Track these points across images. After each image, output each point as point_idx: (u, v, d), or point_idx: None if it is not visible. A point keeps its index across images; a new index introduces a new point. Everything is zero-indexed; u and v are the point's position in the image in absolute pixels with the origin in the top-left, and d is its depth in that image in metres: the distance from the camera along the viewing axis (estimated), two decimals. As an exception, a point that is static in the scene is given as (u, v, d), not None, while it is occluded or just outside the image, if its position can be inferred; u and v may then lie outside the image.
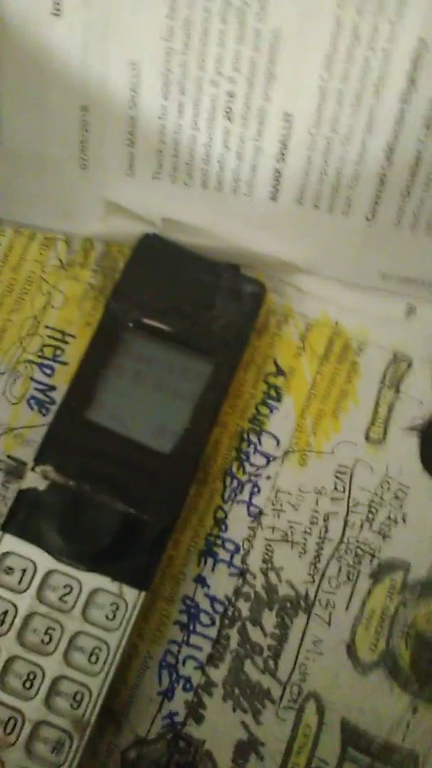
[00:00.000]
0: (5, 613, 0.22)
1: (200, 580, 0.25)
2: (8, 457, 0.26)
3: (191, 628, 0.25)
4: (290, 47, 0.25)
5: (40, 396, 0.27)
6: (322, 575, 0.25)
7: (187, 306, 0.26)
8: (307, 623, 0.25)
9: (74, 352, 0.27)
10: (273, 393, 0.27)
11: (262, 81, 0.26)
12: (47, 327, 0.28)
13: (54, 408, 0.26)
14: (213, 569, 0.25)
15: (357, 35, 0.25)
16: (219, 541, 0.26)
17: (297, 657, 0.25)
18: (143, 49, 0.26)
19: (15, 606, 0.22)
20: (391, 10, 0.24)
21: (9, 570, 0.23)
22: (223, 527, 0.26)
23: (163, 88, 0.26)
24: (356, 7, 0.24)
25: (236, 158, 0.27)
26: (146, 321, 0.26)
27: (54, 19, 0.25)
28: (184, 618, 0.25)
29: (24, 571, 0.23)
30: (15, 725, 0.21)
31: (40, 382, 0.27)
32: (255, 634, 0.25)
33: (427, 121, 0.25)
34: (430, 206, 0.27)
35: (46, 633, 0.22)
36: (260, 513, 0.26)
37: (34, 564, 0.23)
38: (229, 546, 0.26)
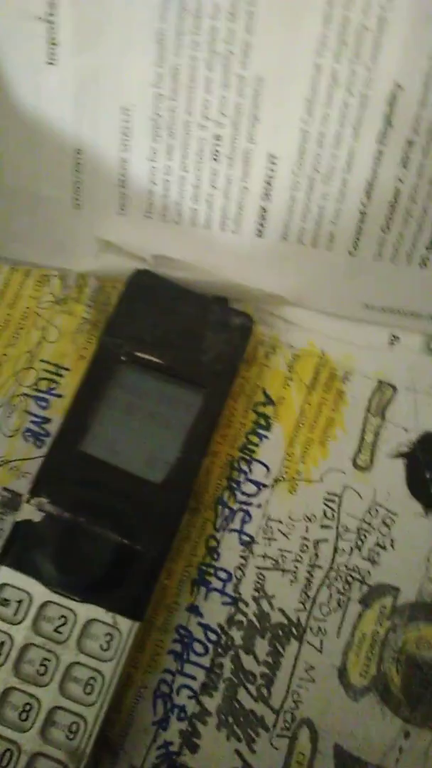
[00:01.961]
0: (1, 644, 0.23)
1: (193, 609, 0.26)
2: (4, 489, 0.26)
3: (185, 657, 0.25)
4: (273, 92, 0.26)
5: (35, 428, 0.27)
6: (313, 602, 0.26)
7: (178, 339, 0.27)
8: (299, 650, 0.25)
9: (69, 384, 0.28)
10: (262, 422, 0.28)
11: (246, 124, 0.27)
12: (42, 361, 0.28)
13: (49, 440, 0.27)
14: (206, 598, 0.26)
15: (335, 80, 0.26)
16: (211, 570, 0.26)
17: (290, 684, 0.25)
18: (133, 95, 0.27)
19: (11, 637, 0.23)
20: (366, 56, 0.25)
21: (5, 602, 0.23)
22: (216, 556, 0.26)
23: (153, 132, 0.27)
24: (334, 53, 0.25)
25: (223, 197, 0.28)
26: (138, 354, 0.27)
27: (48, 67, 0.27)
28: (177, 647, 0.25)
29: (20, 602, 0.23)
30: (11, 757, 0.21)
31: (35, 415, 0.27)
32: (248, 662, 0.25)
33: (403, 159, 0.27)
34: (409, 239, 0.28)
35: (41, 664, 0.22)
36: (252, 541, 0.26)
37: (30, 595, 0.23)
38: (222, 575, 0.26)
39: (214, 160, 0.28)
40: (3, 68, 0.27)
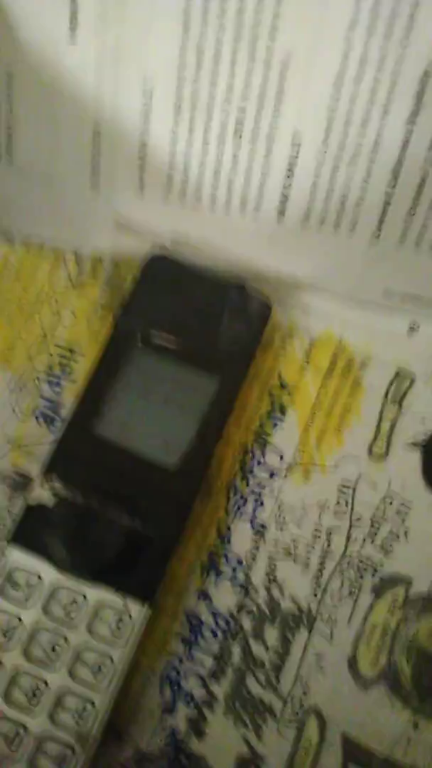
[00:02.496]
0: (11, 626, 0.23)
1: (203, 595, 0.26)
2: (15, 472, 0.26)
3: (194, 642, 0.25)
4: (300, 68, 0.25)
5: (48, 412, 0.27)
6: (324, 590, 0.26)
7: (194, 323, 0.27)
8: (309, 638, 0.25)
9: (82, 369, 0.28)
10: (277, 408, 0.28)
11: (272, 102, 0.26)
12: (56, 345, 0.28)
13: (61, 424, 0.27)
14: (216, 584, 0.26)
15: (366, 58, 0.25)
16: (222, 556, 0.26)
17: (298, 672, 0.25)
18: (155, 71, 0.26)
19: (20, 620, 0.23)
20: (399, 34, 0.24)
21: (15, 583, 0.23)
22: (227, 542, 0.26)
23: (174, 111, 0.27)
24: (366, 30, 0.24)
25: (244, 178, 0.28)
26: (154, 338, 0.26)
27: (69, 46, 0.26)
28: (186, 632, 0.25)
29: (30, 584, 0.23)
30: (19, 739, 0.22)
31: (48, 399, 0.27)
32: (257, 648, 0.25)
33: (432, 143, 0.26)
34: (434, 226, 0.27)
35: (51, 647, 0.23)
36: (263, 527, 0.26)
37: (40, 577, 0.23)
38: (232, 560, 0.26)
39: (237, 139, 0.27)
40: (23, 45, 0.26)
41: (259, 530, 0.26)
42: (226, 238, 0.28)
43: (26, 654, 0.22)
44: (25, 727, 0.22)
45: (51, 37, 0.26)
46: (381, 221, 0.28)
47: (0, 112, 0.28)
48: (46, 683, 0.22)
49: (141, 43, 0.26)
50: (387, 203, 0.27)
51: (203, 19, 0.25)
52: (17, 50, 0.26)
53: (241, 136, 0.27)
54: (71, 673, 0.22)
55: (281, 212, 0.28)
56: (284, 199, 0.28)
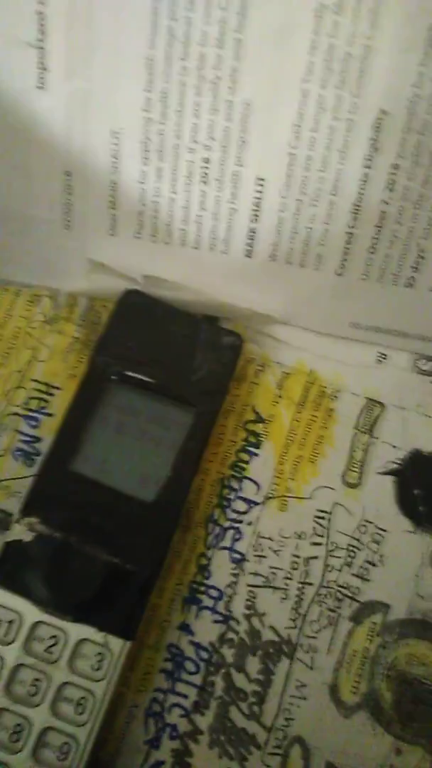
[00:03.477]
0: (-8, 665, 0.22)
1: (185, 628, 0.26)
2: (-6, 508, 0.26)
3: (176, 675, 0.25)
4: (261, 116, 0.27)
5: (25, 447, 0.27)
6: (304, 619, 0.26)
7: (168, 358, 0.28)
8: (291, 668, 0.25)
9: (59, 403, 0.28)
10: (253, 439, 0.28)
11: (235, 147, 0.27)
12: (33, 380, 0.28)
13: (39, 459, 0.27)
14: (197, 616, 0.26)
15: (322, 105, 0.26)
16: (203, 588, 0.26)
17: (281, 702, 0.25)
18: (123, 119, 0.27)
19: (2, 658, 0.23)
20: (352, 82, 0.26)
21: (-4, 622, 0.23)
22: (207, 574, 0.26)
23: (142, 155, 0.28)
24: (320, 80, 0.26)
25: (213, 219, 0.29)
26: (129, 373, 0.27)
27: (39, 91, 0.27)
28: (169, 666, 0.25)
29: (10, 622, 0.23)
30: (2, 779, 0.21)
31: (25, 434, 0.28)
32: (240, 680, 0.25)
33: (389, 183, 0.27)
34: (395, 260, 0.29)
35: (33, 684, 0.22)
36: (243, 559, 0.27)
37: (21, 615, 0.23)
38: (213, 593, 0.26)
39: (203, 182, 0.28)
40: (-5, 93, 0.27)
41: (239, 561, 0.27)
42: (197, 274, 0.29)
43: (8, 692, 0.22)
44: (8, 766, 0.22)
45: (21, 87, 0.27)
46: (344, 258, 0.29)
47: (-27, 158, 0.28)
48: (28, 721, 0.22)
49: (108, 90, 0.27)
50: (349, 241, 0.29)
51: (166, 69, 0.26)
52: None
53: (206, 181, 0.28)
54: (53, 710, 0.22)
55: (249, 250, 0.29)
56: (251, 238, 0.29)
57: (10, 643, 0.23)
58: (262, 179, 0.28)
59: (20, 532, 0.24)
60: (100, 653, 0.23)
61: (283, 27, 0.25)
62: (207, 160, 0.28)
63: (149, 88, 0.27)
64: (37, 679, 0.23)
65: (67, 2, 0.25)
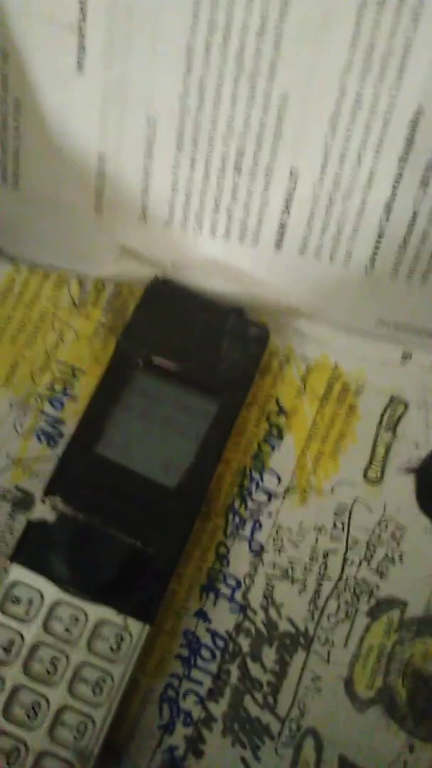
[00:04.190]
0: (12, 642, 0.23)
1: (202, 615, 0.26)
2: (16, 487, 0.26)
3: (192, 662, 0.25)
4: (297, 109, 0.27)
5: (48, 429, 0.27)
6: (321, 612, 0.26)
7: (194, 346, 0.28)
8: (306, 660, 0.25)
9: (83, 387, 0.28)
10: (275, 431, 0.28)
11: (270, 139, 0.27)
12: (58, 362, 0.28)
13: (62, 441, 0.27)
14: (214, 604, 0.26)
15: (359, 101, 0.26)
16: (221, 577, 0.26)
17: (296, 693, 0.25)
18: (159, 105, 0.27)
19: (21, 635, 0.23)
20: (391, 79, 0.26)
21: (16, 599, 0.23)
22: (225, 562, 0.26)
23: (177, 142, 0.28)
24: (359, 76, 0.26)
25: (244, 209, 0.29)
26: (155, 360, 0.27)
27: (76, 76, 0.27)
28: (185, 652, 0.25)
29: (31, 601, 0.23)
30: (18, 755, 0.21)
31: (49, 416, 0.28)
32: (255, 669, 0.25)
33: (423, 180, 0.27)
34: (425, 258, 0.29)
35: (51, 663, 0.22)
36: (261, 549, 0.27)
37: (41, 594, 0.23)
38: (231, 581, 0.26)
39: (236, 172, 0.28)
40: (32, 74, 0.27)
41: (257, 552, 0.27)
42: (225, 264, 0.29)
43: (26, 670, 0.22)
44: (24, 743, 0.22)
45: (59, 68, 0.27)
46: (374, 254, 0.29)
47: (8, 140, 0.28)
48: (46, 699, 0.22)
49: (146, 76, 0.27)
50: (380, 237, 0.29)
51: (205, 58, 0.26)
52: (25, 80, 0.27)
53: (239, 171, 0.28)
54: (71, 690, 0.22)
55: (279, 243, 0.29)
56: (282, 230, 0.29)
57: (30, 621, 0.23)
58: (296, 172, 0.28)
59: (43, 511, 0.24)
60: (119, 635, 0.23)
61: (324, 21, 0.25)
62: (241, 151, 0.28)
63: (187, 76, 0.27)
64: (55, 658, 0.23)
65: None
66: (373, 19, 0.25)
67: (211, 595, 0.26)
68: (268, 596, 0.26)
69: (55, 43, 0.27)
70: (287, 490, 0.27)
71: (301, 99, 0.27)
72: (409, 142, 0.27)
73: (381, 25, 0.25)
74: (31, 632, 0.23)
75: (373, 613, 0.26)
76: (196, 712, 0.24)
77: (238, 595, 0.26)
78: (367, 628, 0.26)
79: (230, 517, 0.27)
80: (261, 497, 0.27)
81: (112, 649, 0.23)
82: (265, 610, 0.26)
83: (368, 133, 0.27)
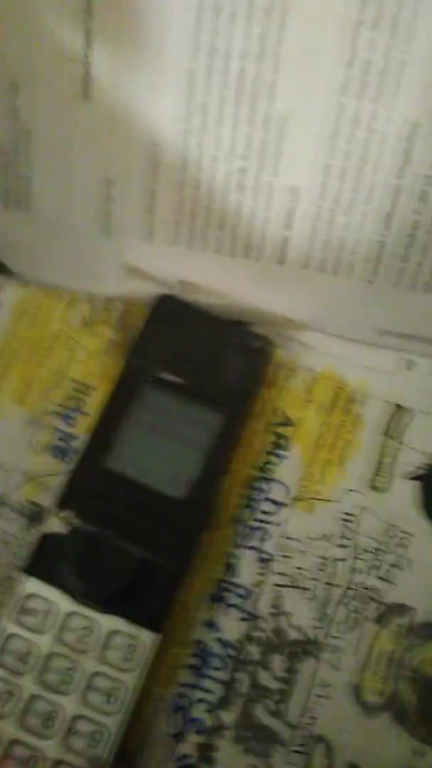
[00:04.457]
0: (28, 653, 0.23)
1: (211, 625, 0.26)
2: (30, 502, 0.27)
3: (202, 671, 0.26)
4: (296, 129, 0.28)
5: (61, 444, 0.28)
6: (330, 620, 0.26)
7: (201, 361, 0.28)
8: (316, 667, 0.26)
9: (94, 403, 0.29)
10: (281, 442, 0.29)
11: (271, 158, 0.28)
12: (71, 380, 0.29)
13: (75, 456, 0.28)
14: (224, 614, 0.26)
15: (356, 118, 0.27)
16: (229, 586, 0.27)
17: (306, 701, 0.25)
18: (163, 129, 0.28)
19: (37, 646, 0.23)
20: (387, 96, 0.27)
21: (31, 611, 0.24)
22: (234, 572, 0.27)
23: (181, 164, 0.29)
24: (356, 94, 0.27)
25: (247, 227, 0.29)
26: (163, 375, 0.28)
27: (83, 103, 0.28)
28: (195, 661, 0.26)
29: (46, 612, 0.24)
30: (35, 764, 0.22)
31: (62, 431, 0.28)
32: (265, 677, 0.25)
33: (421, 193, 0.28)
34: (426, 269, 0.29)
35: (65, 673, 0.23)
36: (270, 559, 0.27)
37: (56, 606, 0.24)
38: (240, 591, 0.27)
39: (239, 191, 0.29)
40: (41, 103, 0.28)
41: (265, 561, 0.27)
42: (230, 280, 0.30)
43: (41, 679, 0.23)
44: (40, 751, 0.22)
45: (66, 97, 0.28)
46: (376, 266, 0.29)
47: (19, 166, 0.30)
48: (61, 708, 0.23)
49: (150, 102, 0.28)
50: (381, 249, 0.29)
51: (207, 82, 0.27)
52: (36, 109, 0.28)
53: (242, 190, 0.29)
54: (84, 699, 0.23)
55: (282, 257, 0.30)
56: (285, 245, 0.30)
57: (44, 633, 0.23)
58: (297, 189, 0.29)
59: (56, 524, 0.25)
60: (131, 645, 0.23)
61: (320, 42, 0.26)
62: (243, 170, 0.28)
63: (190, 100, 0.28)
64: (69, 668, 0.23)
65: (113, 18, 0.26)
66: (368, 39, 0.26)
67: (221, 605, 0.26)
68: (277, 605, 0.26)
69: (62, 73, 0.28)
70: (294, 500, 0.28)
71: (300, 118, 0.27)
72: (407, 155, 0.27)
73: (376, 43, 0.26)
74: (46, 643, 0.23)
75: (382, 620, 0.26)
76: (208, 721, 0.25)
77: (247, 604, 0.26)
78: (376, 635, 0.26)
79: (238, 527, 0.27)
80: (268, 507, 0.28)
81: (124, 659, 0.23)
82: (274, 618, 0.26)
83: (366, 149, 0.28)
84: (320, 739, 0.25)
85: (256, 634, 0.26)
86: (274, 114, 0.27)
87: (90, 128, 0.28)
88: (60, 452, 0.28)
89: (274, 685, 0.25)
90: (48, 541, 0.25)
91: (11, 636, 0.23)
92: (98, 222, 0.30)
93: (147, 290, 0.30)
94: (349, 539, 0.27)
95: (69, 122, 0.28)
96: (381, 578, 0.27)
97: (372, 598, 0.26)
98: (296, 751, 0.25)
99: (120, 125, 0.28)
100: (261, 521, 0.28)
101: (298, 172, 0.28)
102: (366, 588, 0.27)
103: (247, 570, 0.27)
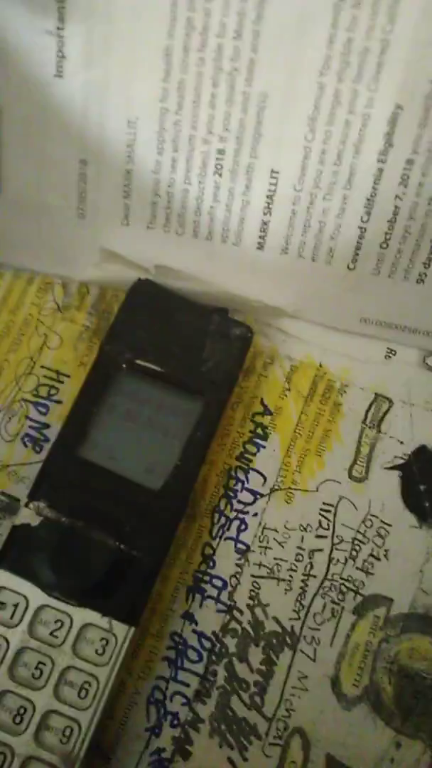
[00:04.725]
0: (-4, 647, 0.23)
1: (188, 617, 0.26)
2: (1, 493, 0.27)
3: (179, 664, 0.25)
4: (276, 109, 0.27)
5: (34, 434, 0.28)
6: (307, 611, 0.26)
7: (178, 348, 0.28)
8: (293, 659, 0.25)
9: (68, 391, 0.28)
10: (260, 431, 0.28)
11: (249, 139, 0.27)
12: (43, 367, 0.29)
13: (47, 445, 0.27)
14: (201, 605, 0.26)
15: (338, 99, 0.26)
16: (207, 578, 0.26)
17: (283, 693, 0.25)
18: (140, 109, 0.27)
19: (6, 640, 0.23)
20: (369, 77, 0.26)
21: (1, 605, 0.23)
22: (211, 564, 0.26)
23: (157, 145, 0.28)
24: (337, 74, 0.26)
25: (225, 210, 0.29)
26: (139, 362, 0.27)
27: (56, 80, 0.27)
28: (171, 654, 0.25)
29: (16, 605, 0.23)
30: (4, 760, 0.22)
31: (34, 420, 0.28)
32: (242, 669, 0.25)
33: (403, 178, 0.27)
34: (407, 256, 0.29)
35: (36, 667, 0.23)
36: (247, 549, 0.27)
37: (26, 599, 0.23)
38: (217, 582, 0.26)
39: (217, 174, 0.28)
40: (12, 80, 0.27)
41: (243, 552, 0.27)
42: (208, 265, 0.29)
43: (12, 675, 0.22)
44: (10, 748, 0.22)
45: (39, 74, 0.27)
46: (356, 253, 0.29)
47: (-10, 146, 0.29)
48: (32, 704, 0.22)
49: (125, 80, 0.27)
50: (361, 236, 0.29)
51: (184, 60, 0.26)
52: (7, 85, 0.27)
53: (220, 173, 0.28)
54: (56, 694, 0.22)
55: (261, 243, 0.29)
56: (263, 230, 0.29)
57: (15, 626, 0.23)
58: (276, 172, 0.28)
59: (28, 515, 0.24)
60: (104, 638, 0.23)
61: (300, 20, 0.25)
62: (222, 152, 0.28)
63: (166, 79, 0.27)
64: (41, 662, 0.23)
65: (87, -9, 0.25)
66: (350, 17, 0.25)
67: (197, 597, 0.26)
68: (255, 596, 0.26)
69: (35, 49, 0.27)
70: (272, 490, 0.28)
71: (280, 98, 0.27)
72: (389, 139, 0.27)
73: (358, 22, 0.25)
74: (16, 637, 0.23)
75: (359, 611, 0.26)
76: (183, 714, 0.25)
77: (224, 596, 0.26)
78: (353, 626, 0.26)
79: (215, 517, 0.27)
80: (246, 497, 0.27)
81: (97, 653, 0.23)
82: (252, 610, 0.26)
83: (348, 131, 0.27)
84: (297, 731, 0.24)
85: (233, 625, 0.26)
86: (253, 93, 0.27)
87: (64, 106, 0.28)
88: (32, 441, 0.27)
89: (251, 677, 0.25)
90: (19, 532, 0.24)
91: (-20, 630, 0.23)
92: (73, 204, 0.29)
93: (123, 275, 0.29)
94: (327, 530, 0.27)
95: (42, 100, 0.27)
96: (359, 569, 0.27)
97: (349, 589, 0.26)
98: (273, 744, 0.24)
99: (95, 103, 0.27)
100: (239, 511, 0.27)
101: (277, 154, 0.28)
102: (343, 579, 0.26)
103: (224, 561, 0.26)
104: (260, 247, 0.29)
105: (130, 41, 0.26)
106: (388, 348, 0.30)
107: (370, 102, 0.26)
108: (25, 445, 0.27)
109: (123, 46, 0.26)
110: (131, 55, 0.27)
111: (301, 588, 0.26)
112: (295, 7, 0.25)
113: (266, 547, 0.27)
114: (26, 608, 0.23)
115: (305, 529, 0.27)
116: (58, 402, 0.28)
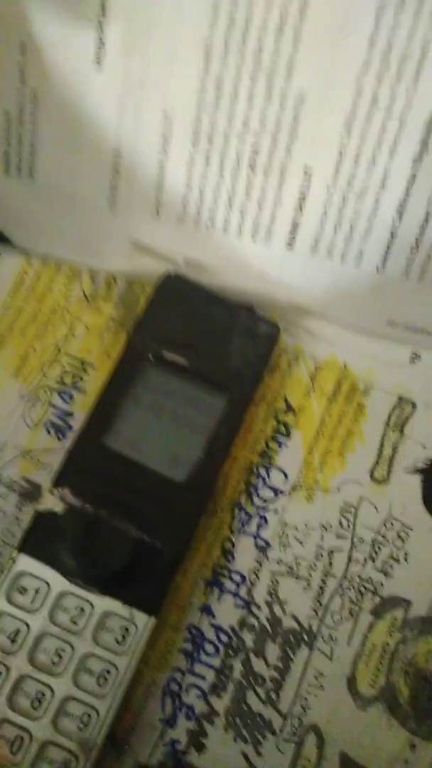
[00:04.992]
0: (17, 632, 0.23)
1: (206, 610, 0.26)
2: (24, 479, 0.27)
3: (196, 656, 0.25)
4: (313, 108, 0.27)
5: (57, 421, 0.28)
6: (326, 610, 0.26)
7: (205, 342, 0.28)
8: (310, 657, 0.25)
9: (93, 381, 0.28)
10: (283, 429, 0.28)
11: (285, 138, 0.28)
12: (68, 355, 0.29)
13: (70, 433, 0.27)
14: (219, 599, 0.26)
15: (375, 101, 0.27)
16: (226, 572, 0.26)
17: (298, 690, 0.25)
18: (176, 101, 0.27)
19: (27, 625, 0.23)
20: (407, 81, 0.26)
21: (23, 590, 0.23)
22: (231, 558, 0.26)
23: (192, 139, 0.28)
24: (376, 77, 0.26)
25: (257, 207, 0.29)
26: (165, 355, 0.27)
27: (94, 70, 0.27)
28: (189, 646, 0.25)
29: (37, 591, 0.23)
30: (21, 744, 0.21)
31: (58, 408, 0.28)
32: (258, 665, 0.25)
33: (437, 183, 0.27)
34: (436, 261, 0.29)
35: (56, 653, 0.23)
36: (267, 546, 0.27)
37: (48, 585, 0.23)
38: (236, 577, 0.26)
39: (251, 170, 0.28)
40: (50, 67, 0.27)
41: (263, 548, 0.27)
42: (237, 262, 0.29)
43: (32, 660, 0.22)
44: (28, 733, 0.22)
45: (77, 62, 0.27)
46: (386, 255, 0.29)
47: (24, 132, 0.29)
48: (50, 689, 0.22)
49: (164, 72, 0.27)
50: (392, 237, 0.29)
51: (224, 55, 0.26)
52: (44, 73, 0.27)
53: (253, 169, 0.28)
54: (75, 681, 0.22)
55: (291, 241, 0.29)
56: (294, 229, 0.29)
57: (36, 611, 0.23)
58: (310, 171, 0.28)
59: (51, 502, 0.24)
60: (124, 627, 0.23)
61: (343, 21, 0.26)
62: (256, 149, 0.28)
63: (205, 73, 0.27)
64: (60, 649, 0.23)
65: (131, -19, 0.26)
66: (392, 21, 0.25)
67: (216, 590, 0.26)
68: (273, 593, 0.26)
69: (75, 37, 0.27)
70: (293, 488, 0.28)
71: (318, 98, 0.27)
72: (424, 143, 0.27)
73: (399, 26, 0.25)
74: (37, 622, 0.23)
75: (377, 612, 0.26)
76: (199, 706, 0.24)
77: (242, 591, 0.26)
78: (371, 627, 0.26)
79: (236, 513, 0.27)
80: (267, 494, 0.27)
81: (117, 641, 0.23)
82: (270, 606, 0.26)
83: (383, 134, 0.27)
84: (312, 728, 0.24)
85: (250, 621, 0.26)
86: (291, 92, 0.27)
87: (100, 96, 0.28)
88: (55, 428, 0.27)
89: (267, 672, 0.25)
90: (42, 518, 0.24)
91: (1, 614, 0.23)
92: (104, 194, 0.29)
93: (152, 268, 0.29)
94: (347, 530, 0.27)
95: (79, 88, 0.28)
96: (378, 570, 0.27)
97: (368, 590, 0.26)
98: (287, 740, 0.24)
99: (132, 95, 0.27)
100: (260, 508, 0.27)
101: (312, 153, 0.28)
102: (362, 579, 0.26)
103: (244, 556, 0.26)
104: (290, 245, 0.29)
105: (170, 33, 0.26)
106: (413, 352, 0.30)
107: (408, 105, 0.26)
108: (48, 432, 0.27)
109: (163, 38, 0.26)
110: (171, 47, 0.27)
111: (320, 587, 0.26)
112: (337, 8, 0.25)
113: (286, 545, 0.27)
114: (47, 594, 0.23)
115: (325, 528, 0.27)
116: (82, 391, 0.28)
